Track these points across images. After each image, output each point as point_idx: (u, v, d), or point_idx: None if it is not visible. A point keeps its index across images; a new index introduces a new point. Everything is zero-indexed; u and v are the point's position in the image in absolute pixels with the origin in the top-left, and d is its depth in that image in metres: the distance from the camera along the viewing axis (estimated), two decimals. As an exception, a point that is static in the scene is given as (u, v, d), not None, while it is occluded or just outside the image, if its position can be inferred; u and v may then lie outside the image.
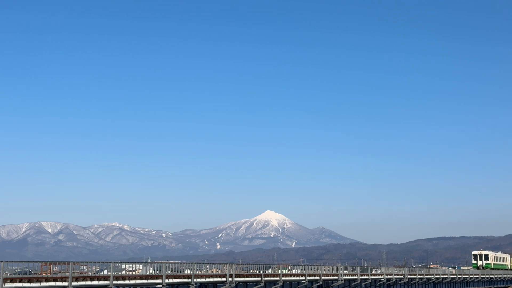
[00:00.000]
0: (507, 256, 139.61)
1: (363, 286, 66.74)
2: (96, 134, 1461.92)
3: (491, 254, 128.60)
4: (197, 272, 45.34)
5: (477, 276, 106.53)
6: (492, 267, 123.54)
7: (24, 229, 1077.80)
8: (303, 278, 55.51)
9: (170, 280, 41.51)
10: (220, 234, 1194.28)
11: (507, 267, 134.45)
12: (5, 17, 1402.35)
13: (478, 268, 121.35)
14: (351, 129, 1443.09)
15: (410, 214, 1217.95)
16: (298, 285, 55.38)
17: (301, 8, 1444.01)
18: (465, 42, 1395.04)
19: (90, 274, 39.69)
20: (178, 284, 42.84)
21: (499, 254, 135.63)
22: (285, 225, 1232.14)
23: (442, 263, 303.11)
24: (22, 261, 36.43)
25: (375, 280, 69.89)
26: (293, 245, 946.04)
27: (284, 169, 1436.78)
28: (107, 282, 36.66)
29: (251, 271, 54.67)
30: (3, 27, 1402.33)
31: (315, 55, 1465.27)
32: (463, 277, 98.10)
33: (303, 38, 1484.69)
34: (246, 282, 49.59)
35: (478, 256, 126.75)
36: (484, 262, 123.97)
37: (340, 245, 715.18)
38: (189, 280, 42.95)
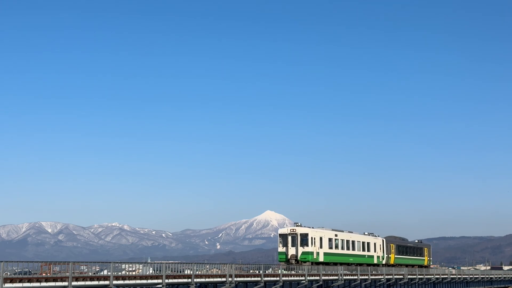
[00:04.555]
0: (377, 241, 75.36)
1: (363, 286, 66.73)
2: (96, 134, 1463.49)
3: (318, 233, 63.65)
4: (197, 272, 45.33)
5: (477, 276, 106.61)
6: (323, 259, 63.21)
7: (24, 229, 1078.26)
8: (303, 278, 55.50)
9: (170, 280, 41.52)
10: (220, 234, 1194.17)
11: (375, 261, 74.50)
12: (5, 17, 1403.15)
13: (287, 261, 61.27)
14: (351, 128, 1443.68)
15: (409, 214, 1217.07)
16: (298, 285, 55.40)
17: (301, 8, 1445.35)
18: (465, 41, 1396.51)
19: (90, 274, 39.63)
20: (178, 284, 42.85)
21: (348, 235, 69.36)
22: (285, 225, 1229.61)
23: (442, 263, 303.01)
24: (22, 261, 36.31)
25: (375, 280, 69.89)
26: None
27: (284, 169, 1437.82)
28: (107, 282, 36.66)
29: (251, 271, 54.59)
30: (3, 26, 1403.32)
31: (315, 55, 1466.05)
32: (463, 277, 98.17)
33: (303, 38, 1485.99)
34: (246, 282, 49.58)
35: (290, 238, 62.77)
36: (301, 249, 61.79)
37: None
38: (189, 280, 42.96)
